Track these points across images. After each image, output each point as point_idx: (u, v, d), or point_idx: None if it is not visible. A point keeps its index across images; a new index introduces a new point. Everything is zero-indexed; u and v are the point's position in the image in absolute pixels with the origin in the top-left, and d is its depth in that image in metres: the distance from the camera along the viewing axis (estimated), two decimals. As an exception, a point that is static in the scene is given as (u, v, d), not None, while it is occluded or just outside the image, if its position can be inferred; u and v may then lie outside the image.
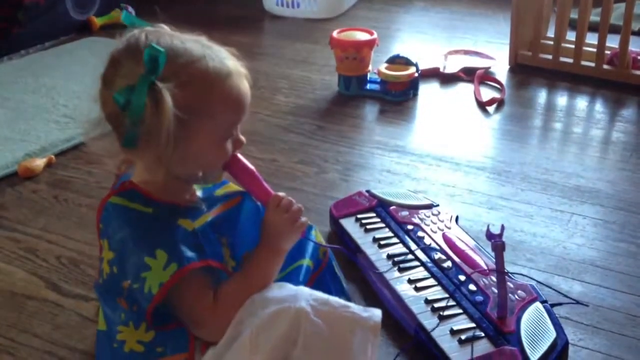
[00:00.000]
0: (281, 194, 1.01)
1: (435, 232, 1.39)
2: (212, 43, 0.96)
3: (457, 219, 1.46)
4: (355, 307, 0.94)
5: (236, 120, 0.95)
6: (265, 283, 0.97)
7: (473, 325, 1.15)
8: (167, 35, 0.93)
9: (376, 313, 0.95)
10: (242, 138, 0.98)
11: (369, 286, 1.30)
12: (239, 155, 1.00)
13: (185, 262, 0.90)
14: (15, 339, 1.20)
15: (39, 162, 1.74)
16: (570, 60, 2.26)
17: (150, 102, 0.85)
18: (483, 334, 1.13)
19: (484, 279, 1.24)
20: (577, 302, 1.27)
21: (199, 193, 1.02)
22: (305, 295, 0.94)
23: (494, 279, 1.21)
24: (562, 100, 2.19)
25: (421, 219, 1.43)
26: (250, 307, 0.93)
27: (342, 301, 0.95)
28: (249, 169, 1.01)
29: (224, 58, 0.94)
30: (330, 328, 0.91)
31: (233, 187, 1.06)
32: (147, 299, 0.89)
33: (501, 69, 2.37)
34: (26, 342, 1.20)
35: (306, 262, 1.07)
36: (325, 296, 0.95)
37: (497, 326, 1.14)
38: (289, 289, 0.96)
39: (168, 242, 0.90)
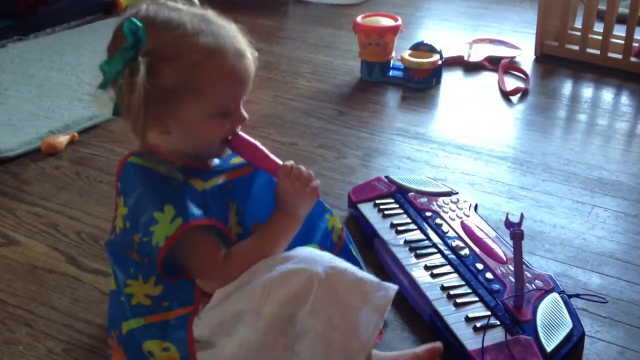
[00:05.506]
0: (289, 162, 1.02)
1: (453, 220, 1.38)
2: (219, 19, 0.95)
3: (476, 207, 1.45)
4: (370, 284, 0.95)
5: (230, 97, 0.95)
6: (279, 245, 0.99)
7: (489, 313, 1.15)
8: (166, 9, 0.93)
9: (389, 293, 0.95)
10: (244, 114, 0.99)
11: (385, 271, 1.30)
12: (240, 132, 1.01)
13: (190, 217, 0.92)
14: (34, 311, 1.22)
15: (62, 139, 1.76)
16: (597, 52, 2.23)
17: (127, 75, 0.87)
18: (498, 322, 1.13)
19: (501, 268, 1.24)
20: (596, 296, 1.26)
21: (216, 161, 1.03)
22: (325, 261, 0.95)
23: (512, 267, 1.21)
24: (587, 91, 2.16)
25: (440, 206, 1.42)
26: (271, 261, 0.95)
27: (359, 274, 0.96)
28: (252, 143, 1.01)
29: (222, 35, 0.93)
30: (339, 299, 0.92)
31: None
32: (154, 252, 0.92)
33: (526, 59, 2.34)
34: (45, 314, 1.21)
35: (314, 246, 1.07)
36: (344, 266, 0.96)
37: (513, 315, 1.13)
38: (311, 251, 0.98)
39: (176, 198, 0.93)
